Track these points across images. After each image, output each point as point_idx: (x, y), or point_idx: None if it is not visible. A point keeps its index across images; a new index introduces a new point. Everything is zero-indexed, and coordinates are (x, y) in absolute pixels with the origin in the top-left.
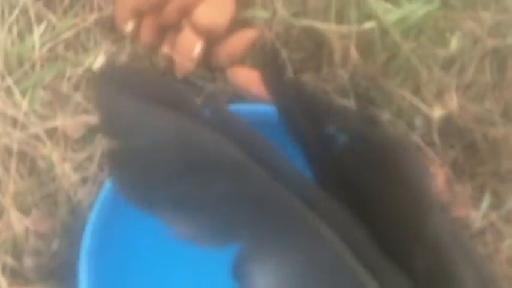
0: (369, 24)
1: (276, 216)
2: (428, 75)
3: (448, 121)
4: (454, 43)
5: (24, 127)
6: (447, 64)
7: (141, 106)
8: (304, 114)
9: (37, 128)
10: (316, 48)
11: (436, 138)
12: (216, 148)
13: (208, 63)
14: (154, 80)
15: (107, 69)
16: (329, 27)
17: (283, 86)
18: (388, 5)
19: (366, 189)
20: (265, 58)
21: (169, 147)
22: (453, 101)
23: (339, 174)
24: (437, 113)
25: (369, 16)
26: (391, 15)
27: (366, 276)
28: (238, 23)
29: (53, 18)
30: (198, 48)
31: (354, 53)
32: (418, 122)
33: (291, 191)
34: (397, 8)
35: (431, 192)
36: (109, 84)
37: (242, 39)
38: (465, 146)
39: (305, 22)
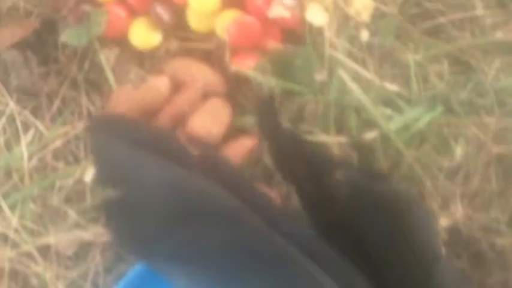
0: (370, 135)
1: (274, 266)
2: (432, 184)
3: (453, 231)
4: (459, 151)
5: (15, 245)
6: (452, 172)
7: (134, 154)
8: (303, 164)
9: (29, 245)
10: None
11: (441, 248)
12: (210, 196)
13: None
14: (147, 128)
15: (99, 118)
16: (328, 136)
17: (280, 135)
18: (389, 111)
19: (369, 239)
20: (261, 107)
21: (163, 195)
22: (459, 210)
23: (341, 225)
24: (442, 222)
25: (369, 123)
26: (393, 123)
27: None
28: (234, 130)
29: (40, 126)
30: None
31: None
32: None
33: (288, 239)
34: (399, 115)
35: (436, 242)
36: (102, 133)
37: (239, 148)
38: (472, 255)
39: (304, 129)
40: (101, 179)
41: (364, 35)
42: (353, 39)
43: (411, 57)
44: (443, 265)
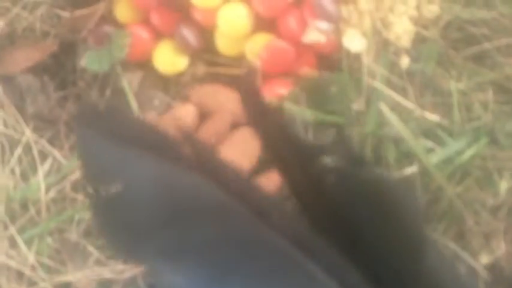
0: (410, 170)
1: (266, 259)
2: (474, 220)
3: (496, 268)
4: (504, 185)
5: (31, 283)
6: (495, 208)
7: (120, 149)
8: (289, 148)
9: (46, 283)
10: None
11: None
12: (199, 191)
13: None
14: (133, 121)
15: (83, 112)
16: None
17: (265, 118)
18: (429, 143)
19: (357, 225)
20: (244, 88)
21: (152, 191)
22: (501, 248)
23: (329, 211)
24: (483, 260)
25: (408, 155)
26: (434, 156)
27: None
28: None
29: (58, 155)
30: None
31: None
32: (462, 270)
33: (279, 232)
34: (440, 148)
35: (422, 225)
36: (86, 128)
37: (268, 183)
38: None
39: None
40: (88, 175)
41: (404, 62)
42: (392, 66)
43: (454, 85)
44: (430, 248)
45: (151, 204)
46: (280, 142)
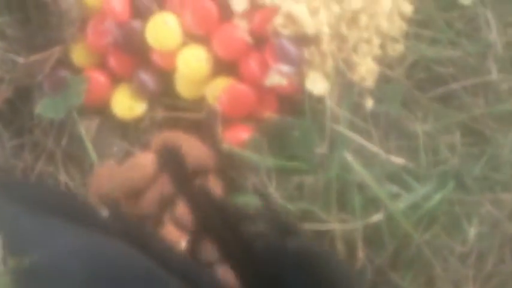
0: (375, 217)
1: None
2: (443, 267)
3: None
4: (472, 231)
5: None
6: (464, 254)
7: (39, 219)
8: (217, 215)
9: None
10: (316, 235)
11: None
12: (124, 260)
13: (195, 256)
14: (52, 190)
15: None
16: (329, 216)
17: (189, 187)
18: (395, 188)
19: None
20: (166, 158)
21: (73, 263)
22: None
23: (260, 278)
24: None
25: (374, 201)
26: (400, 201)
27: None
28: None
29: None
30: (183, 244)
31: (359, 245)
32: None
33: None
34: (407, 193)
35: None
36: (5, 196)
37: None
38: None
39: (302, 207)
40: (8, 246)
41: (369, 103)
42: (356, 108)
43: (420, 127)
44: None
45: (75, 276)
46: (207, 208)
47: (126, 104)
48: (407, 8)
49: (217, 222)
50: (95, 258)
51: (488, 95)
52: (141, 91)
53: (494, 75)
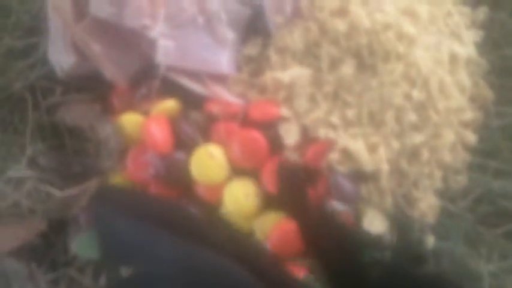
0: None
1: None
2: None
3: None
4: None
5: None
6: None
7: (141, 228)
8: (333, 241)
9: None
10: None
11: None
12: (225, 274)
13: None
14: (152, 200)
15: (102, 191)
16: None
17: (307, 210)
18: None
19: None
20: (286, 181)
21: (172, 273)
22: None
23: None
24: None
25: None
26: None
27: None
28: None
29: None
30: None
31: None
32: None
33: None
34: None
35: None
36: (106, 207)
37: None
38: None
39: None
40: (107, 255)
41: (430, 241)
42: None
43: (484, 267)
44: None
45: (175, 286)
46: (323, 233)
47: None
48: (472, 138)
49: (332, 248)
50: (193, 271)
51: None
52: None
53: None
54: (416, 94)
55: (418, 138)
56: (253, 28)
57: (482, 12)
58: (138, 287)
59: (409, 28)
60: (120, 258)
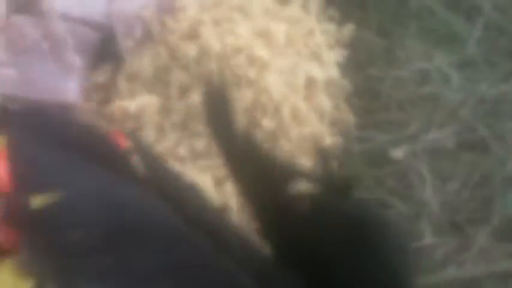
0: None
1: None
2: None
3: None
4: None
5: None
6: None
7: (61, 154)
8: (260, 171)
9: None
10: None
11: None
12: (152, 212)
13: None
14: (77, 126)
15: (19, 112)
16: None
17: (233, 136)
18: None
19: (334, 261)
20: (210, 100)
21: (92, 206)
22: None
23: (301, 243)
24: None
25: None
26: None
27: None
28: None
29: None
30: None
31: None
32: None
33: (241, 265)
34: None
35: (408, 270)
36: (22, 129)
37: None
38: None
39: None
40: (20, 182)
41: None
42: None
43: None
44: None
45: (91, 220)
46: (249, 162)
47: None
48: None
49: (259, 179)
50: (116, 205)
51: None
52: None
53: (429, 239)
54: (266, 123)
55: None
56: (104, 53)
57: (348, 30)
58: (52, 220)
59: (261, 52)
60: (35, 187)
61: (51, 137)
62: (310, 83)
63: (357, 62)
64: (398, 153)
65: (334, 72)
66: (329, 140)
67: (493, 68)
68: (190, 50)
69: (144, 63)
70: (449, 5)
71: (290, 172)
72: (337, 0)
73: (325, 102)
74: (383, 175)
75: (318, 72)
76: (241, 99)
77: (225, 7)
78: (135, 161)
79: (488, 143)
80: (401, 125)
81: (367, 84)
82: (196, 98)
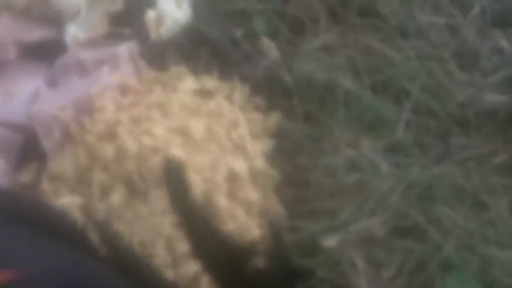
0: None
1: None
2: None
3: None
4: None
5: None
6: None
7: (18, 232)
8: (219, 246)
9: None
10: None
11: None
12: (110, 286)
13: None
14: (34, 204)
15: None
16: None
17: (192, 211)
18: None
19: None
20: (170, 180)
21: (55, 282)
22: None
23: None
24: None
25: None
26: None
27: None
28: None
29: None
30: None
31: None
32: None
33: None
34: None
35: None
36: None
37: None
38: None
39: None
40: None
41: None
42: None
43: None
44: None
45: None
46: (208, 237)
47: None
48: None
49: (220, 256)
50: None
51: None
52: None
53: None
54: None
55: (194, 266)
56: (27, 154)
57: (274, 119)
58: None
59: (178, 151)
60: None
61: (8, 216)
62: (233, 177)
63: (285, 151)
64: (330, 242)
65: (260, 163)
66: (257, 232)
67: (424, 151)
68: (108, 150)
69: (65, 164)
70: (376, 90)
71: (250, 248)
72: (263, 89)
73: (251, 194)
74: (316, 265)
75: (241, 165)
76: (160, 200)
77: (142, 106)
78: (93, 237)
79: (423, 228)
80: (332, 214)
81: (296, 173)
82: (117, 198)
